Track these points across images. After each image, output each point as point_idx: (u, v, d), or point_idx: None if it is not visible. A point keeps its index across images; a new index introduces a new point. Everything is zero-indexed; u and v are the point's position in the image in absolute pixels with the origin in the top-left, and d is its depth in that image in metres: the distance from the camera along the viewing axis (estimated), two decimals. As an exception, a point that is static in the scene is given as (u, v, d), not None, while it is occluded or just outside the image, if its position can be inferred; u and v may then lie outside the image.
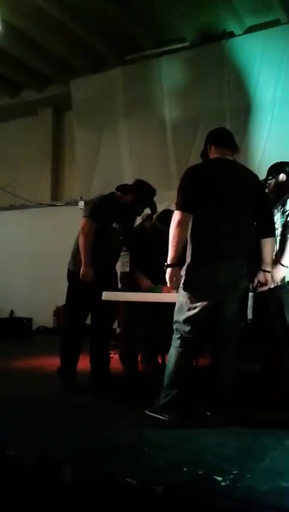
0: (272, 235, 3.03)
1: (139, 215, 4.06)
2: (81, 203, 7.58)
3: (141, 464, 2.15)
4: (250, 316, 2.90)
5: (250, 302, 2.88)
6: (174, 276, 2.82)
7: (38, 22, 6.23)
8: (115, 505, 1.94)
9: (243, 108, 6.22)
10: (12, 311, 8.15)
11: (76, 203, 7.65)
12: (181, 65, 6.69)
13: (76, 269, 3.64)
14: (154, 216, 4.15)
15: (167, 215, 4.15)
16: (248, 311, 2.92)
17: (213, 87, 6.45)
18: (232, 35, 6.34)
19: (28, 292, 7.95)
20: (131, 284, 4.01)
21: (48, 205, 8.28)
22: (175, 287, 2.87)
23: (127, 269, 3.86)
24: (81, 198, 7.61)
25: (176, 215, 2.80)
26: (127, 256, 3.82)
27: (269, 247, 2.98)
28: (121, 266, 3.88)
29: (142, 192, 3.86)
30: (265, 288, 3.06)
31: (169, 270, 2.83)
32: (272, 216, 3.14)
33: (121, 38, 6.73)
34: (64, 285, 3.85)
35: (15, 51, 6.98)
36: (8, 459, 2.25)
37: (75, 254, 3.72)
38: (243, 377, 3.52)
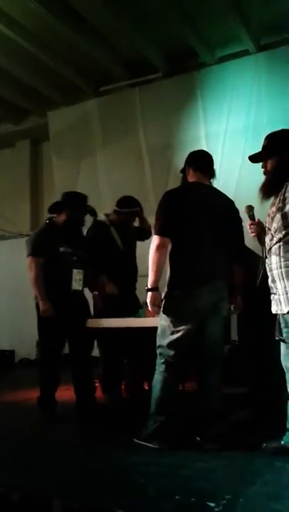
0: (243, 262, 3.04)
1: (82, 225, 3.97)
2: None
3: (132, 494, 2.11)
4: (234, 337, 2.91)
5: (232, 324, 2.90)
6: (155, 300, 2.85)
7: (12, 55, 6.32)
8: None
9: (218, 134, 6.36)
10: (-6, 344, 8.01)
11: (56, 233, 7.67)
12: (156, 95, 6.83)
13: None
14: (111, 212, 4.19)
15: (126, 199, 4.24)
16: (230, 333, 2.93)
17: (188, 114, 6.59)
18: (204, 65, 6.52)
19: (10, 324, 7.84)
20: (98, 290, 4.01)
21: (28, 235, 8.22)
22: (157, 311, 2.88)
23: (80, 287, 3.83)
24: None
25: (155, 240, 2.84)
26: (80, 273, 3.79)
27: (240, 273, 3.01)
28: (73, 283, 3.84)
29: (72, 203, 3.81)
30: (237, 312, 3.06)
31: (149, 294, 2.85)
32: (243, 244, 3.10)
33: (94, 70, 6.87)
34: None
35: (-10, 85, 7.07)
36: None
37: None
38: (231, 400, 3.52)
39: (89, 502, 2.05)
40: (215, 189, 3.09)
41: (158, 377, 2.85)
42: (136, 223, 4.36)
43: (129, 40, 6.10)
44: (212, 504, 1.94)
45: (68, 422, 3.51)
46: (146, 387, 3.65)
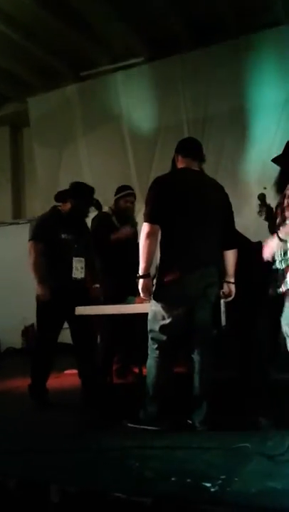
0: (235, 246, 3.06)
1: (86, 217, 4.02)
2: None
3: (128, 478, 2.13)
4: (223, 322, 2.94)
5: (222, 309, 2.92)
6: (147, 287, 2.87)
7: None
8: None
9: (200, 120, 6.36)
10: (-22, 334, 7.94)
11: (39, 220, 7.61)
12: (137, 80, 6.78)
13: None
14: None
15: (119, 187, 4.39)
16: (222, 318, 2.96)
17: (170, 99, 6.57)
18: (187, 49, 6.46)
19: (-5, 313, 7.78)
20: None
21: (10, 224, 8.16)
22: (149, 298, 2.90)
23: (82, 276, 3.84)
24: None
25: (145, 227, 2.84)
26: (81, 261, 3.81)
27: (232, 259, 3.03)
28: (74, 271, 3.85)
29: (78, 194, 3.85)
30: (230, 299, 3.09)
31: (141, 281, 2.87)
32: (234, 228, 3.11)
33: (75, 55, 6.77)
34: (31, 304, 3.83)
35: None
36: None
37: None
38: (220, 384, 3.57)
39: (85, 486, 2.07)
40: (204, 175, 3.10)
41: (152, 362, 2.89)
42: None
43: (111, 24, 6.01)
44: (208, 484, 1.97)
45: (60, 409, 3.53)
46: (137, 371, 3.68)
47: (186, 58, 6.47)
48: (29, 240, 3.72)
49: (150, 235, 2.83)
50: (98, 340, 4.08)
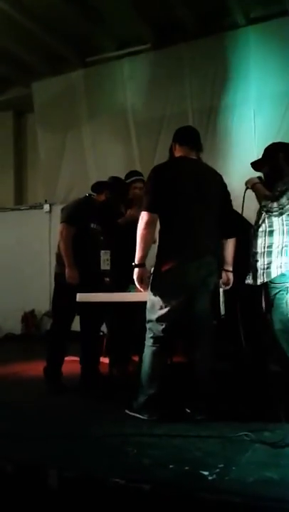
0: (235, 235, 3.06)
1: (117, 211, 4.08)
2: (46, 206, 7.53)
3: (126, 464, 2.15)
4: (222, 311, 2.93)
5: (221, 298, 2.91)
6: (142, 276, 2.86)
7: (-3, 24, 6.13)
8: (104, 506, 1.94)
9: (206, 109, 6.31)
10: (-22, 319, 7.97)
11: (41, 206, 7.61)
12: (143, 67, 6.72)
13: (61, 271, 3.69)
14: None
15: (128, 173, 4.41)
16: (221, 307, 2.95)
17: (175, 87, 6.52)
18: (194, 36, 6.39)
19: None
20: None
21: (12, 209, 8.15)
22: (144, 287, 2.89)
23: (108, 267, 3.85)
24: (46, 201, 7.55)
25: (144, 216, 2.83)
26: (107, 254, 3.82)
27: (231, 247, 3.04)
28: (101, 264, 3.86)
29: (115, 189, 3.94)
30: (228, 287, 3.10)
31: (136, 270, 2.86)
32: (235, 216, 3.15)
33: (82, 40, 6.71)
34: (31, 290, 3.84)
35: (-28, 53, 6.84)
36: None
37: (59, 257, 3.79)
38: (218, 374, 3.58)
39: (84, 472, 2.09)
40: (202, 163, 3.07)
41: (147, 352, 2.88)
42: None
43: (118, 10, 5.94)
44: (206, 472, 1.99)
45: (66, 394, 3.56)
46: (137, 360, 3.69)
47: (193, 46, 6.40)
48: (62, 222, 3.75)
49: (149, 224, 2.82)
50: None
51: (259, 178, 3.28)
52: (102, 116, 6.96)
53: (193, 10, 6.03)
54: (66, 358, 3.92)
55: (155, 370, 2.84)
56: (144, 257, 2.84)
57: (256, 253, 3.09)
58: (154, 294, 2.86)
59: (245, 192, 3.28)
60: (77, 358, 3.91)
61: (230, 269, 3.04)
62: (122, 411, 2.90)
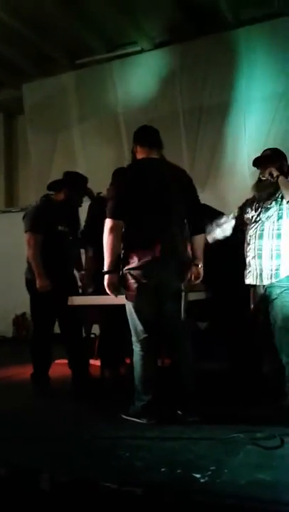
0: (203, 231, 3.05)
1: (80, 206, 3.98)
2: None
3: (118, 467, 2.14)
4: (182, 316, 2.89)
5: (182, 302, 2.88)
6: (112, 282, 2.86)
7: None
8: (97, 510, 1.93)
9: (197, 110, 6.33)
10: None
11: (32, 209, 7.56)
12: (134, 68, 6.73)
13: (33, 278, 3.63)
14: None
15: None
16: (182, 311, 2.90)
17: (165, 89, 6.53)
18: (185, 39, 6.40)
19: (-15, 302, 7.74)
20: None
21: (3, 212, 8.11)
22: (114, 293, 2.89)
23: (73, 267, 3.85)
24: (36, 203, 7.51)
25: (107, 223, 2.85)
26: (75, 253, 3.81)
27: (200, 242, 3.03)
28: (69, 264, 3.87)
29: (73, 183, 3.82)
30: (198, 281, 3.09)
31: (106, 277, 2.86)
32: (202, 211, 3.13)
33: (72, 42, 6.70)
34: (22, 293, 3.81)
35: None
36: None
37: (30, 263, 3.71)
38: (209, 376, 3.59)
39: (76, 475, 2.08)
40: (164, 161, 3.06)
41: (136, 357, 2.89)
42: None
43: (108, 12, 5.94)
44: (198, 475, 1.98)
45: (51, 398, 3.54)
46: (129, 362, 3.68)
47: (184, 48, 6.42)
48: (27, 231, 3.65)
49: (112, 230, 2.83)
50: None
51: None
52: (92, 118, 6.96)
53: (183, 12, 6.02)
54: (57, 361, 3.90)
55: (146, 373, 2.84)
56: (111, 262, 2.84)
57: (260, 254, 3.08)
58: (126, 297, 2.88)
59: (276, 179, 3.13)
60: (66, 361, 3.89)
61: (200, 263, 3.02)
62: (114, 414, 2.90)
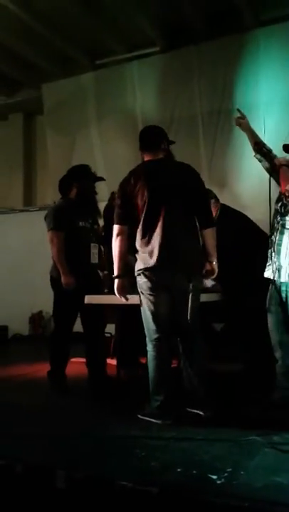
0: (211, 225, 3.02)
1: (96, 194, 3.97)
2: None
3: (134, 467, 2.15)
4: (189, 317, 2.88)
5: (190, 302, 2.88)
6: (122, 286, 2.94)
7: (6, 26, 6.14)
8: (112, 509, 1.93)
9: (216, 111, 6.30)
10: (-14, 320, 8.00)
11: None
12: (153, 69, 6.71)
13: (58, 277, 3.67)
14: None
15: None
16: (188, 311, 2.89)
17: (184, 90, 6.50)
18: (203, 39, 6.38)
19: (3, 299, 7.79)
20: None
21: (21, 211, 8.18)
22: (124, 297, 2.95)
23: (96, 261, 3.87)
24: (54, 203, 7.53)
25: (115, 229, 2.95)
26: (96, 247, 3.83)
27: (210, 237, 3.00)
28: (91, 257, 3.87)
29: (80, 175, 3.87)
30: (213, 277, 3.09)
31: (116, 281, 2.94)
32: (209, 206, 3.10)
33: (91, 43, 6.71)
34: (39, 291, 3.86)
35: (-17, 56, 6.88)
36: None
37: (54, 261, 3.75)
38: (226, 377, 3.57)
39: (92, 473, 2.08)
40: (169, 161, 3.07)
41: (149, 357, 2.90)
42: None
43: (128, 12, 5.94)
44: (214, 476, 1.98)
45: (74, 395, 3.56)
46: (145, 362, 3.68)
47: (202, 48, 6.38)
48: (49, 230, 3.71)
49: (119, 236, 2.93)
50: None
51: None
52: (111, 118, 6.97)
53: (202, 12, 6.01)
54: (73, 360, 3.92)
55: (159, 374, 2.85)
56: (120, 267, 2.93)
57: (279, 250, 3.06)
58: (142, 301, 2.91)
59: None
60: (83, 360, 3.90)
61: (213, 260, 3.01)
62: (130, 413, 2.90)
